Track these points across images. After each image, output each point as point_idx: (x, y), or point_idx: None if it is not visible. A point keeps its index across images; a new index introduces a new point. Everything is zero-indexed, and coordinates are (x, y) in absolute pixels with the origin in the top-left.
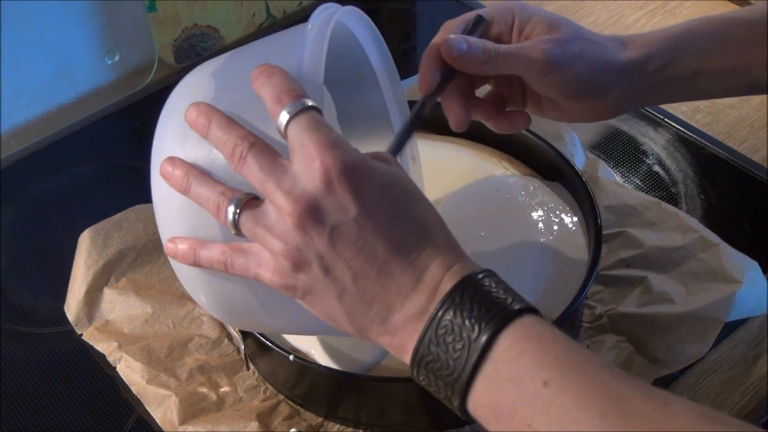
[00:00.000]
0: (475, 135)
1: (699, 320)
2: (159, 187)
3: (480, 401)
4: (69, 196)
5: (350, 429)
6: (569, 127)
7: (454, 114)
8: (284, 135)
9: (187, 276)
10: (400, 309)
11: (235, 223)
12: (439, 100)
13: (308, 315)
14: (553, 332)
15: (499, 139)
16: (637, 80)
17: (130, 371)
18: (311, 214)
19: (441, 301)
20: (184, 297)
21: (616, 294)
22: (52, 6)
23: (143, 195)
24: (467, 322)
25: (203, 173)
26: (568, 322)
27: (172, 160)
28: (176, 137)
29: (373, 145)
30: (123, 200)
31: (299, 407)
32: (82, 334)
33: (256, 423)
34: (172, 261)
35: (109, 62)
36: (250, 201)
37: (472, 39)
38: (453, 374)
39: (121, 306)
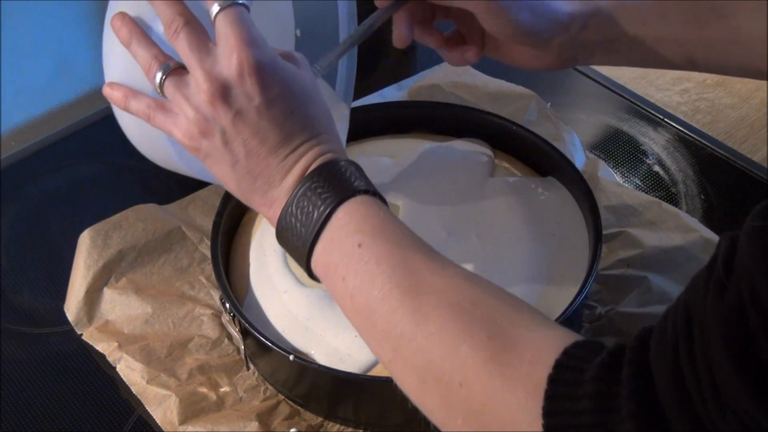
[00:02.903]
0: (476, 135)
1: None
2: (109, 36)
3: (317, 261)
4: (69, 196)
5: (350, 429)
6: (569, 128)
7: (398, 30)
8: (213, 23)
9: (121, 115)
10: (278, 185)
11: (161, 86)
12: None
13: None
14: (378, 209)
15: (499, 139)
16: (579, 34)
17: (130, 371)
18: (222, 95)
19: (303, 180)
20: (184, 297)
21: (616, 294)
22: (52, 6)
23: (143, 195)
24: (317, 198)
25: (144, 34)
26: (568, 322)
27: (122, 16)
28: None
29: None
30: (123, 200)
31: (299, 407)
32: (82, 334)
33: (256, 423)
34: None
35: None
36: (177, 69)
37: None
38: (301, 239)
39: (121, 306)
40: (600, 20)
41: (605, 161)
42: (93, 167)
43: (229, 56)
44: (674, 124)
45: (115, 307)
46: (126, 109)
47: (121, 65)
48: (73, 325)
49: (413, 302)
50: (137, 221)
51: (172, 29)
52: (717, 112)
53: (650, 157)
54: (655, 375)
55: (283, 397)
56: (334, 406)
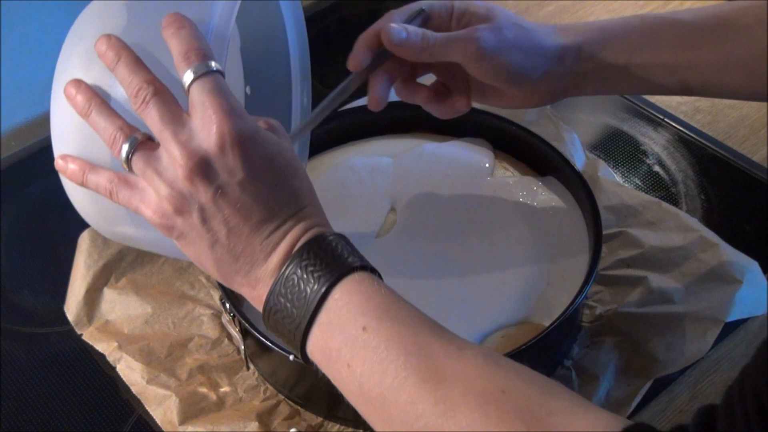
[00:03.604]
0: (477, 135)
1: (699, 320)
2: (59, 104)
3: (315, 346)
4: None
5: (350, 429)
6: (569, 127)
7: (373, 93)
8: (187, 92)
9: (73, 190)
10: (262, 264)
11: (128, 161)
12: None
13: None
14: (378, 286)
15: (499, 139)
16: (569, 66)
17: (130, 371)
18: (201, 170)
19: (291, 258)
20: (184, 297)
21: (616, 294)
22: (52, 6)
23: None
24: (309, 276)
25: (104, 103)
26: (568, 322)
27: (78, 83)
28: (83, 61)
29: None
30: None
31: (299, 407)
32: (82, 334)
33: (256, 423)
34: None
35: None
36: (146, 142)
37: (411, 27)
38: (294, 322)
39: (121, 306)
40: (590, 50)
41: (605, 161)
42: None
43: (208, 128)
44: (674, 124)
45: (115, 307)
46: (83, 185)
47: (76, 137)
48: (73, 325)
49: (435, 391)
50: None
51: (140, 99)
52: (717, 112)
53: (650, 157)
54: None
55: (283, 397)
56: (334, 406)
